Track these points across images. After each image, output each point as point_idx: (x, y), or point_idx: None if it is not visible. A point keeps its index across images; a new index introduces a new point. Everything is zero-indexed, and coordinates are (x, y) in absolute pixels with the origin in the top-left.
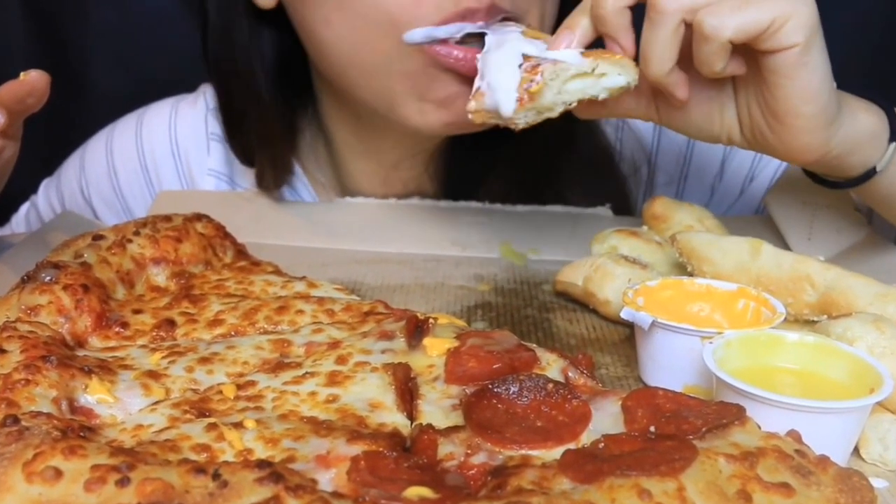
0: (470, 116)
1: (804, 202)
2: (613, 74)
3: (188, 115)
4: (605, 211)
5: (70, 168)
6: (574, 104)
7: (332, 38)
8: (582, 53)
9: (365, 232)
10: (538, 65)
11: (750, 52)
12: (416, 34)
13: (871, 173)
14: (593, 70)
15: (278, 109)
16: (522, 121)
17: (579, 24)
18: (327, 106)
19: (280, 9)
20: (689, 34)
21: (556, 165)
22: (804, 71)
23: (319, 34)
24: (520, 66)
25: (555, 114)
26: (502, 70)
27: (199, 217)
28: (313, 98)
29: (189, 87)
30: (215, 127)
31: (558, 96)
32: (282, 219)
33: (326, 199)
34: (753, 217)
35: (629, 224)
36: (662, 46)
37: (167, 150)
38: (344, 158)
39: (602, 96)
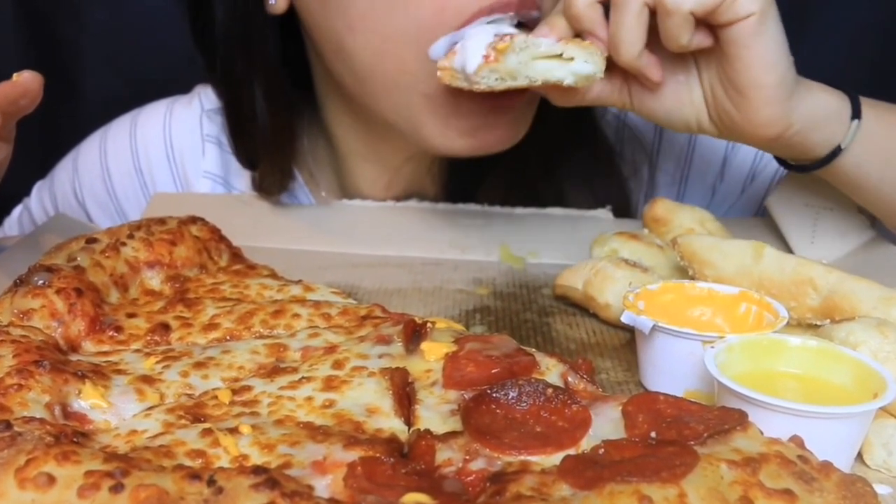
0: (438, 74)
1: (807, 204)
2: (580, 61)
3: (183, 116)
4: (605, 213)
5: (63, 170)
6: (539, 82)
7: (356, 46)
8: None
9: (362, 235)
10: (512, 35)
11: (711, 31)
12: (441, 45)
13: (836, 152)
14: (562, 54)
15: (287, 113)
16: (484, 82)
17: (557, 23)
18: (332, 110)
19: (290, 13)
20: (654, 22)
21: (556, 165)
22: (761, 40)
23: (341, 41)
24: (496, 35)
25: (517, 84)
26: (478, 33)
27: (194, 220)
28: (313, 101)
29: (184, 88)
30: (210, 129)
31: (523, 67)
32: (278, 222)
33: (323, 202)
34: (755, 219)
35: (630, 227)
36: (628, 30)
37: (161, 151)
38: (347, 162)
39: (568, 81)
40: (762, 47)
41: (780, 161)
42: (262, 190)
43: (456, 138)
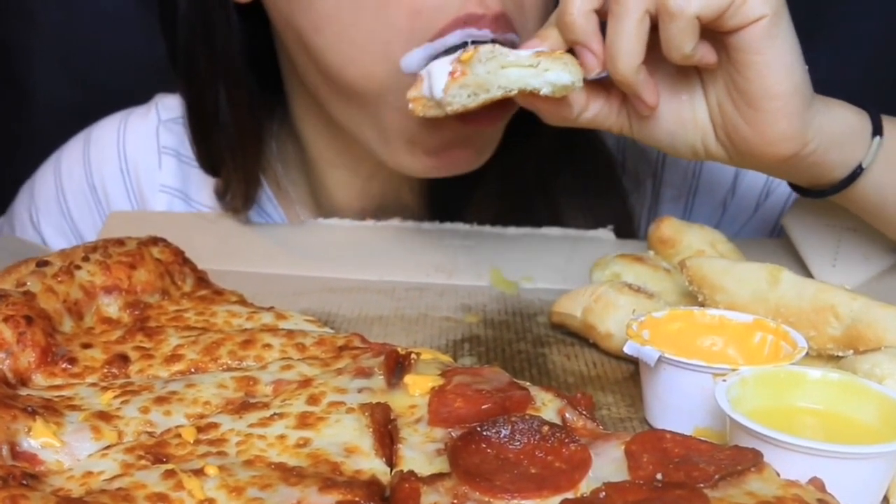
0: (410, 106)
1: (827, 224)
2: (556, 71)
3: (138, 127)
4: (606, 234)
5: (20, 198)
6: (514, 91)
7: (321, 46)
8: (534, 53)
9: (340, 257)
10: (476, 46)
11: (718, 41)
12: (415, 57)
13: (857, 172)
14: (534, 66)
15: (252, 113)
16: (456, 101)
17: (549, 35)
18: (301, 111)
19: (256, 5)
20: (654, 38)
21: (550, 178)
22: (774, 44)
23: (307, 39)
24: (462, 51)
25: (491, 95)
26: (443, 59)
27: (155, 241)
28: (282, 101)
29: (145, 95)
30: (168, 139)
31: (494, 77)
32: (247, 242)
33: (294, 214)
34: (771, 240)
35: (633, 248)
36: (628, 39)
37: (115, 166)
38: (318, 167)
39: (545, 91)
40: (775, 53)
41: (795, 188)
42: (225, 198)
43: (422, 158)
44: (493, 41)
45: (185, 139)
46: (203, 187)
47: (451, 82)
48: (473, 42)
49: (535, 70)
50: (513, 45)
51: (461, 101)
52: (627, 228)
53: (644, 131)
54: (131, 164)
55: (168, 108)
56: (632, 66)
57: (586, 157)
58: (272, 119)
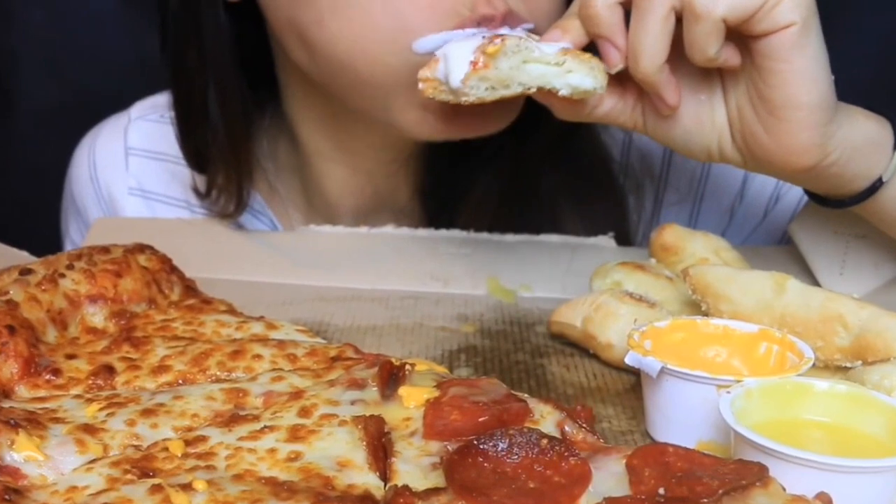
0: (420, 86)
1: (835, 231)
2: (581, 74)
3: (108, 132)
4: (606, 241)
5: None
6: (533, 89)
7: (324, 40)
8: (561, 51)
9: (332, 265)
10: (502, 35)
11: (743, 44)
12: (429, 41)
13: (877, 185)
14: (560, 64)
15: (242, 108)
16: (473, 93)
17: (571, 27)
18: (296, 105)
19: (246, 2)
20: (677, 34)
21: (546, 178)
22: (802, 54)
23: (307, 34)
24: (483, 36)
25: (510, 92)
26: (464, 39)
27: (141, 248)
28: (273, 99)
29: (131, 98)
30: (136, 139)
31: (516, 73)
32: (237, 250)
33: (284, 214)
34: (777, 248)
35: (635, 256)
36: (653, 37)
37: (86, 175)
38: (313, 163)
39: (564, 92)
40: (802, 62)
41: (811, 195)
42: (209, 196)
43: (433, 121)
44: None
45: (156, 134)
46: (174, 182)
47: (471, 73)
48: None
49: (559, 69)
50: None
51: (478, 93)
52: (624, 232)
53: (659, 130)
54: (99, 169)
55: (144, 106)
56: (655, 65)
57: (582, 157)
58: (263, 117)
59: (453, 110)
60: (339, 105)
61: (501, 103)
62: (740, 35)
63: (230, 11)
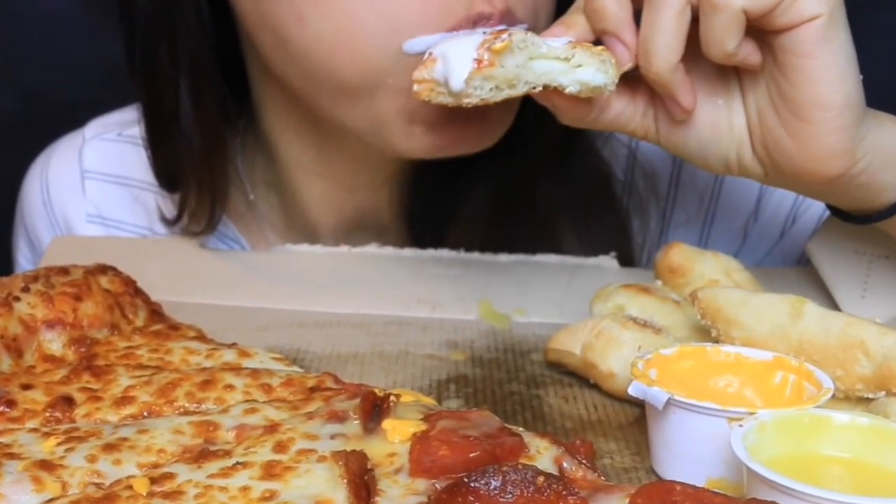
0: (416, 87)
1: (856, 251)
2: (591, 69)
3: (61, 153)
4: (608, 261)
5: None
6: (539, 88)
7: (304, 39)
8: (569, 44)
9: (311, 288)
10: (506, 31)
11: (763, 41)
12: (421, 42)
13: None
14: (569, 59)
15: (219, 117)
16: (476, 95)
17: (575, 23)
18: (273, 114)
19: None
20: (693, 32)
21: (541, 191)
22: (828, 49)
23: (286, 33)
24: (484, 33)
25: (516, 92)
26: (462, 37)
27: (103, 269)
28: (248, 108)
29: (92, 106)
30: (93, 161)
31: (523, 71)
32: (207, 271)
33: (258, 235)
34: (793, 269)
35: (639, 278)
36: (668, 33)
37: (39, 200)
38: (293, 177)
39: (572, 89)
40: (829, 58)
41: (834, 210)
42: (180, 221)
43: (420, 135)
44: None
45: (114, 155)
46: (137, 207)
47: (475, 72)
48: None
49: (567, 65)
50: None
51: (482, 94)
52: (627, 252)
53: (672, 137)
54: (54, 196)
55: (100, 124)
56: (669, 64)
57: (581, 171)
58: (236, 128)
59: (443, 123)
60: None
61: (495, 112)
62: (761, 31)
63: (205, 9)
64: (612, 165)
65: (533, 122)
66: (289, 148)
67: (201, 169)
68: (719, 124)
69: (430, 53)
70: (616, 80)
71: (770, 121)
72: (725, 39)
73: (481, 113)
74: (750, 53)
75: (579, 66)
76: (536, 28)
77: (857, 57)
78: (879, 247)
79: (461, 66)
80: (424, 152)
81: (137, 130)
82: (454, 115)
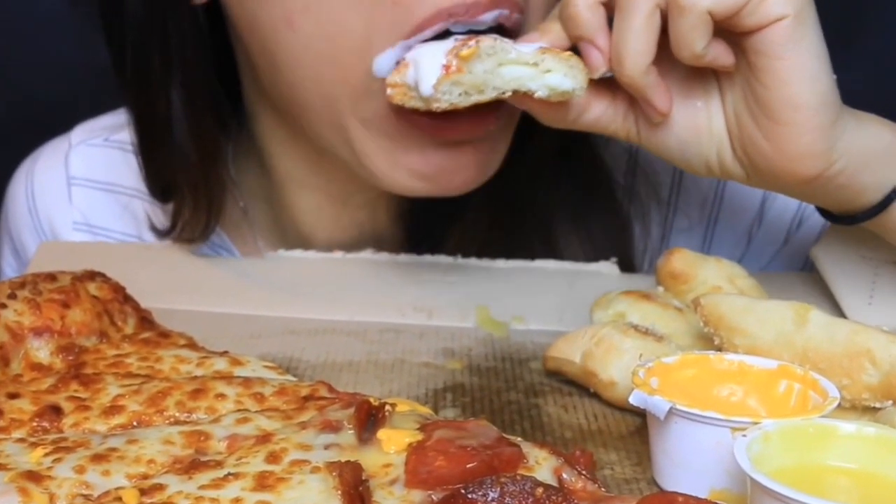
0: (389, 91)
1: (863, 256)
2: (559, 74)
3: (46, 158)
4: (609, 267)
5: None
6: (508, 93)
7: (294, 45)
8: (539, 50)
9: (304, 294)
10: (475, 37)
11: (737, 43)
12: (387, 58)
13: (891, 196)
14: (538, 64)
15: (213, 126)
16: (445, 99)
17: (551, 29)
18: (265, 124)
19: (214, 4)
20: (664, 40)
21: (541, 194)
22: (797, 49)
23: (276, 37)
24: (455, 39)
25: (485, 97)
26: (434, 45)
27: (92, 275)
28: (241, 116)
29: (81, 109)
30: (79, 167)
31: (490, 77)
32: (198, 277)
33: (251, 245)
34: (798, 275)
35: (640, 284)
36: (637, 36)
37: (24, 206)
38: (285, 190)
39: (541, 94)
40: (798, 58)
41: (822, 212)
42: (174, 231)
43: (407, 179)
44: (491, 29)
45: (101, 161)
46: (125, 216)
47: (444, 77)
48: (471, 31)
49: (535, 70)
50: (516, 24)
51: (451, 98)
52: (628, 258)
53: (653, 139)
54: (39, 203)
55: (86, 129)
56: (640, 67)
57: (580, 173)
58: (229, 137)
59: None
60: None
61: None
62: (732, 33)
63: (198, 14)
64: (612, 169)
65: (530, 126)
66: (281, 160)
67: (196, 179)
68: (699, 127)
69: (404, 59)
70: (585, 85)
71: (746, 122)
72: (693, 40)
73: (472, 155)
74: (720, 55)
75: (548, 71)
76: (528, 14)
77: (829, 56)
78: (887, 252)
79: (430, 71)
80: (413, 192)
81: (125, 135)
82: (440, 162)
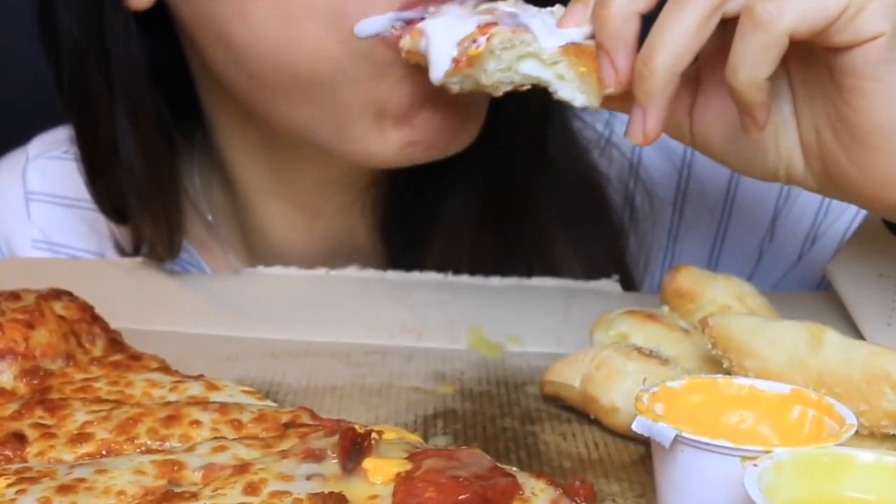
0: (403, 55)
1: (881, 273)
2: (571, 86)
3: (3, 173)
4: (610, 285)
5: None
6: (525, 86)
7: (250, 36)
8: (560, 49)
9: (285, 314)
10: (496, 23)
11: (814, 54)
12: (372, 23)
13: None
14: (554, 64)
15: (162, 141)
16: (457, 86)
17: (577, 12)
18: (225, 132)
19: (157, 8)
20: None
21: (528, 198)
22: (893, 69)
23: (230, 33)
24: (478, 26)
25: (499, 92)
26: (453, 14)
27: (58, 294)
28: (201, 125)
29: (50, 110)
30: (37, 182)
31: (506, 73)
32: (171, 296)
33: (222, 261)
34: (812, 294)
35: (644, 303)
36: (679, 33)
37: None
38: (251, 201)
39: (558, 94)
40: (894, 80)
41: (892, 227)
42: (140, 251)
43: (392, 130)
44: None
45: (60, 174)
46: (88, 232)
47: (453, 70)
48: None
49: (551, 73)
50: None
51: (464, 86)
52: (630, 274)
53: (709, 144)
54: None
55: (44, 142)
56: (670, 71)
57: (569, 177)
58: (192, 149)
59: (414, 111)
60: (275, 128)
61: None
62: (815, 47)
63: (138, 23)
64: (608, 177)
65: (510, 121)
66: (244, 170)
67: (149, 196)
68: (765, 139)
69: (417, 27)
70: (598, 103)
71: (826, 141)
72: (759, 64)
73: (457, 101)
74: (759, 114)
75: (561, 77)
76: None
77: None
78: None
79: (441, 59)
80: (396, 152)
81: None
82: (426, 98)
